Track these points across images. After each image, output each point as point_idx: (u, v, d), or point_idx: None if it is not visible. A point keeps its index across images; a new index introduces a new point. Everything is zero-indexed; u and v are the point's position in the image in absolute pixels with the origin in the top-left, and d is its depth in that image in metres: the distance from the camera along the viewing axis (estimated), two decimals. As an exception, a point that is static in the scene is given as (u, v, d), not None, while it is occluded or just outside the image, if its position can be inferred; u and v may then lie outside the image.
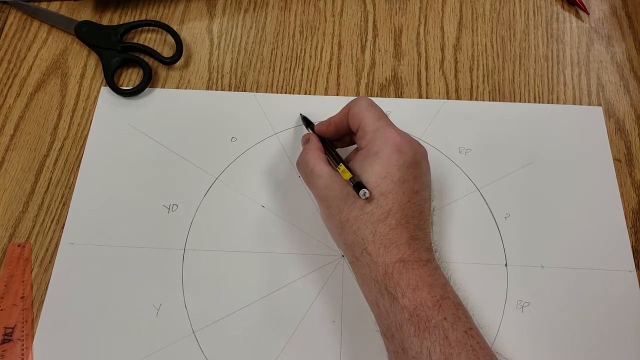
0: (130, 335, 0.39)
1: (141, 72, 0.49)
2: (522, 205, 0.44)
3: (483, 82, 0.50)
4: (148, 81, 0.49)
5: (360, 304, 0.40)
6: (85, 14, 0.53)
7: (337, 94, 0.49)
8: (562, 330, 0.40)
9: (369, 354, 0.39)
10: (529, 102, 0.49)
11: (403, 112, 0.48)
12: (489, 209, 0.44)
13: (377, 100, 0.48)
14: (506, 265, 0.42)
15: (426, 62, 0.51)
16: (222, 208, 0.44)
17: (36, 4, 0.53)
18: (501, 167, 0.46)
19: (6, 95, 0.49)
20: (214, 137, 0.47)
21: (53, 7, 0.53)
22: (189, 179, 0.45)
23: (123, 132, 0.47)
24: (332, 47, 0.52)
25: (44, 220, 0.44)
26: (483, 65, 0.51)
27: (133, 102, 0.48)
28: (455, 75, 0.50)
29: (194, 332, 0.39)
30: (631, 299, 0.41)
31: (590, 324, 0.40)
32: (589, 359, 0.39)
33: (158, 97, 0.49)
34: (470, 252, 0.42)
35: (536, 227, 0.43)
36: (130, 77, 0.50)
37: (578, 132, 0.47)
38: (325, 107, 0.48)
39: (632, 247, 0.42)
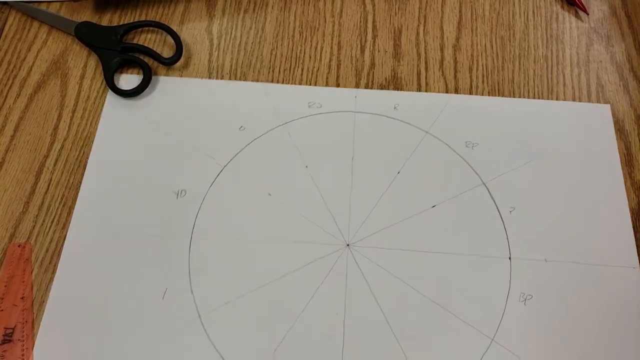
0: (134, 325, 0.40)
1: (141, 72, 0.49)
2: (527, 200, 0.44)
3: (482, 82, 0.50)
4: (148, 82, 0.49)
5: (363, 293, 0.41)
6: (85, 15, 0.53)
7: (337, 95, 0.49)
8: (564, 324, 0.40)
9: (370, 340, 0.39)
10: (528, 102, 0.49)
11: (411, 106, 0.49)
12: (494, 202, 0.44)
13: (385, 93, 0.49)
14: (510, 258, 0.42)
15: (426, 63, 0.51)
16: (229, 195, 0.45)
17: (36, 4, 0.53)
18: (508, 162, 0.46)
19: (6, 96, 0.49)
20: (223, 126, 0.47)
21: (53, 7, 0.53)
22: (198, 167, 0.46)
23: (133, 119, 0.47)
24: (331, 48, 0.52)
25: (44, 220, 0.44)
26: (482, 65, 0.51)
27: (145, 91, 0.49)
28: (455, 76, 0.50)
29: (199, 317, 0.40)
30: (634, 295, 0.41)
31: (593, 318, 0.40)
32: (591, 353, 0.39)
33: (169, 86, 0.49)
34: (474, 245, 0.43)
35: (541, 222, 0.44)
36: (130, 78, 0.50)
37: (585, 129, 0.47)
38: (331, 99, 0.49)
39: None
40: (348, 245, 0.43)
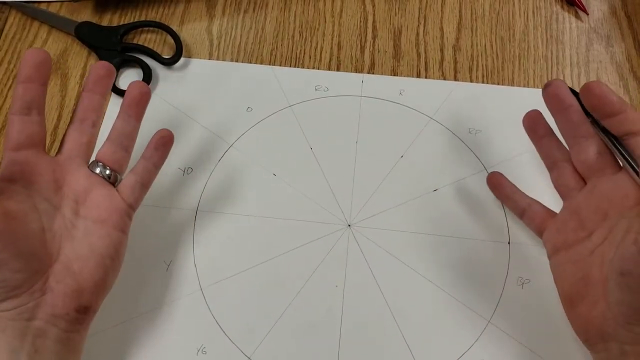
0: (139, 289, 0.41)
1: (141, 72, 0.49)
2: (528, 187, 0.44)
3: (482, 82, 0.50)
4: (148, 82, 0.49)
5: (362, 273, 0.42)
6: (85, 15, 0.53)
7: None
8: (560, 309, 0.40)
9: (368, 318, 0.40)
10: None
11: (417, 92, 0.49)
12: None
13: (391, 78, 0.50)
14: (509, 242, 0.43)
15: (425, 63, 0.51)
16: (234, 173, 0.46)
17: (36, 4, 0.53)
18: (509, 149, 0.47)
19: (6, 96, 0.49)
20: (231, 106, 0.49)
21: (53, 8, 0.53)
22: (205, 145, 0.47)
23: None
24: (331, 48, 0.52)
25: (44, 220, 0.44)
26: (482, 65, 0.51)
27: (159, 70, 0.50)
28: (455, 76, 0.50)
29: (201, 289, 0.41)
30: None
31: None
32: None
33: (179, 66, 0.50)
34: (474, 228, 0.43)
35: None
36: (130, 78, 0.50)
37: None
38: (338, 83, 0.49)
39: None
40: (349, 225, 0.43)
